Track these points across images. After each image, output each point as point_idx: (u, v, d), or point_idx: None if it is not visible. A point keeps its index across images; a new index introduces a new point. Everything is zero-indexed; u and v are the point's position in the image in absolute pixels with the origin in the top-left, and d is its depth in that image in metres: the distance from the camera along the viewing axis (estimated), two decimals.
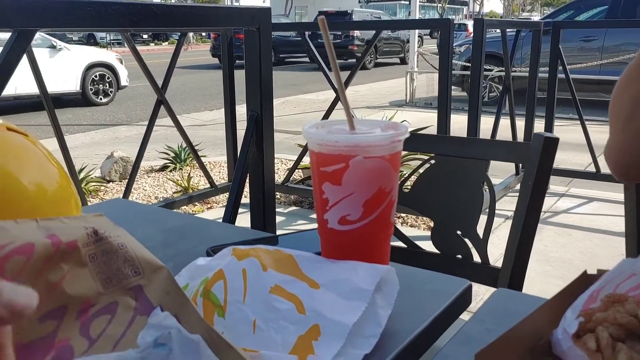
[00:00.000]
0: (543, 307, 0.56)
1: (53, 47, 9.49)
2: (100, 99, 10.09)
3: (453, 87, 10.13)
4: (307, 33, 3.80)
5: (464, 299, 0.72)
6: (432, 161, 1.32)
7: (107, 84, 10.20)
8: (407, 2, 12.80)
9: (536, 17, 47.43)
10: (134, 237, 0.58)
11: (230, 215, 1.77)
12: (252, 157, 1.81)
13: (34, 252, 0.52)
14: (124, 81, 10.54)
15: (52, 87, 8.53)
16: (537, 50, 4.22)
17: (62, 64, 9.46)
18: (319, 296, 0.60)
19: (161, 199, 4.16)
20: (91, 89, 9.95)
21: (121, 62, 10.53)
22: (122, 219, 1.03)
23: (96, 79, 10.03)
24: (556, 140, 1.15)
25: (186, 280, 0.69)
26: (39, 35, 8.39)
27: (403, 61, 16.73)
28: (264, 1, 62.21)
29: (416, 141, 1.34)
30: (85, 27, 1.67)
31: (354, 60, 17.06)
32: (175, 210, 3.46)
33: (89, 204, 4.01)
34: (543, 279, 2.81)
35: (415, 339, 0.61)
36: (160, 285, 0.57)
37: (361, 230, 0.68)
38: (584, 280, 0.64)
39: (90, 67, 9.99)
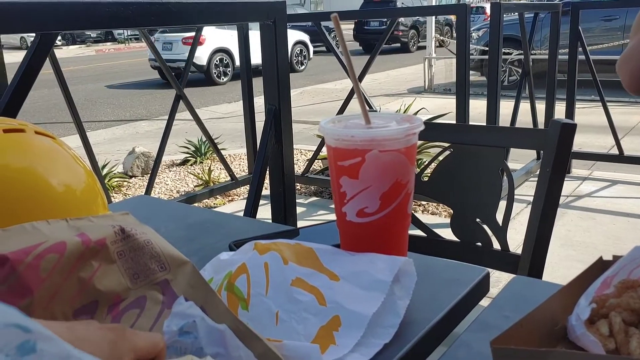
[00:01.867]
0: (558, 294, 0.57)
1: None
2: (300, 67, 13.53)
3: (472, 71, 10.04)
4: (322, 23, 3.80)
5: (482, 287, 0.74)
6: (450, 150, 1.33)
7: (303, 56, 13.78)
8: None
9: None
10: (158, 233, 0.61)
11: (252, 208, 1.80)
12: (271, 150, 1.83)
13: (65, 250, 0.55)
14: (311, 53, 14.34)
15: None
16: (557, 32, 4.17)
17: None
18: (339, 288, 0.61)
19: (183, 193, 4.22)
20: (296, 60, 13.46)
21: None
22: (145, 215, 1.06)
23: (297, 52, 13.58)
24: (574, 126, 1.15)
25: (210, 275, 0.71)
26: None
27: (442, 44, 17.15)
28: None
29: (434, 130, 1.35)
30: (104, 27, 1.70)
31: (399, 44, 18.03)
32: (196, 205, 3.52)
33: (113, 200, 4.08)
34: (566, 263, 2.79)
35: (434, 327, 0.63)
36: (186, 279, 0.60)
37: (379, 222, 0.70)
38: (600, 266, 0.65)
39: (296, 43, 13.36)
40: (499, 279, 2.55)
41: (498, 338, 0.51)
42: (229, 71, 12.29)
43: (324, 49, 18.62)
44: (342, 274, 0.63)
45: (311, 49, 14.58)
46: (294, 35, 13.51)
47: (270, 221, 2.08)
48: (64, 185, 0.75)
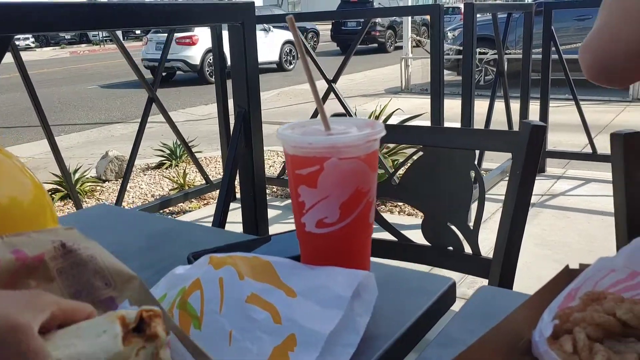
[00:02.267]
0: (523, 306, 0.55)
1: (265, 30, 13.12)
2: (289, 66, 14.36)
3: (448, 71, 10.12)
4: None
5: (448, 297, 0.71)
6: (422, 152, 1.31)
7: (292, 56, 14.48)
8: None
9: None
10: (118, 243, 0.57)
11: (221, 216, 1.76)
12: (241, 155, 1.79)
13: None
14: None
15: (265, 58, 13.15)
16: (530, 32, 4.19)
17: (271, 41, 13.22)
18: (296, 305, 0.59)
19: (158, 197, 4.15)
20: (285, 59, 14.27)
21: (310, 39, 16.52)
22: (105, 225, 1.02)
23: (287, 51, 14.33)
24: (544, 127, 1.13)
25: (164, 291, 0.68)
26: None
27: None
28: None
29: (405, 133, 1.32)
30: (76, 29, 1.66)
31: (376, 44, 18.16)
32: (159, 215, 3.47)
33: (85, 205, 4.01)
34: (542, 263, 2.80)
35: (396, 343, 0.60)
36: (133, 295, 0.56)
37: (339, 232, 0.67)
38: (566, 276, 0.63)
39: (285, 43, 14.01)
40: (475, 282, 2.55)
41: (460, 355, 0.49)
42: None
43: (332, 48, 18.96)
44: (300, 290, 0.60)
45: None
46: (283, 35, 14.13)
47: (242, 225, 2.04)
48: (8, 197, 0.71)
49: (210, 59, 12.37)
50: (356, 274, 0.61)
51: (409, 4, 10.11)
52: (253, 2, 1.74)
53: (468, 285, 2.53)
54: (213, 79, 12.64)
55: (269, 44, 13.02)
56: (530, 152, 1.13)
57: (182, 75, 13.01)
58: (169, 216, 3.81)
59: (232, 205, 2.61)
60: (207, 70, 12.39)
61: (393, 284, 0.73)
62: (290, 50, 14.58)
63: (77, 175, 4.24)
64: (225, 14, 1.71)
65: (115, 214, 1.06)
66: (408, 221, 3.38)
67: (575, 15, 8.45)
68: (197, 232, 0.98)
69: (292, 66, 14.55)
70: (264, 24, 12.88)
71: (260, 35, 12.45)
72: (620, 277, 0.54)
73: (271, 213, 3.24)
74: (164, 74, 13.17)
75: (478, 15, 3.28)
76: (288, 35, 14.35)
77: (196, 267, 0.68)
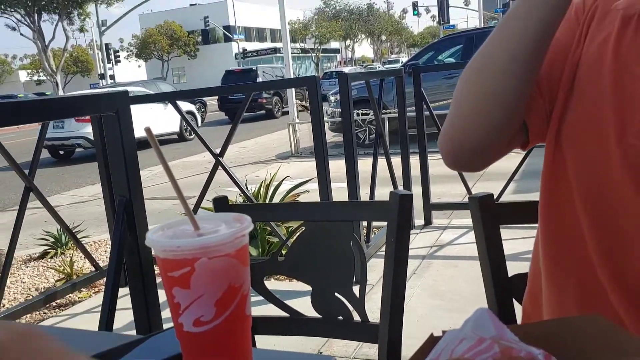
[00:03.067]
0: None
1: (164, 103, 12.87)
2: (189, 135, 14.50)
3: (335, 133, 10.46)
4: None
5: None
6: (303, 228, 1.35)
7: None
8: (282, 55, 13.40)
9: (404, 58, 50.65)
10: None
11: (107, 316, 1.68)
12: (127, 242, 1.75)
13: None
14: (199, 122, 16.35)
15: (166, 130, 14.02)
16: (402, 94, 4.49)
17: (170, 112, 12.82)
18: None
19: (42, 290, 3.90)
20: (185, 129, 14.58)
21: (198, 110, 16.70)
22: None
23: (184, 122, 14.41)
24: (410, 196, 1.22)
25: None
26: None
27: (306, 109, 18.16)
28: (139, 66, 61.54)
29: (285, 210, 1.37)
30: None
31: (264, 111, 18.61)
32: (35, 324, 3.28)
33: None
34: (436, 313, 2.91)
35: None
36: None
37: (217, 329, 0.69)
38: (430, 345, 0.68)
39: (185, 113, 13.48)
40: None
41: None
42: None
43: (221, 117, 19.28)
44: None
45: (199, 118, 16.53)
46: (183, 106, 14.28)
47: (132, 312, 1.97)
48: None
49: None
50: None
51: (291, 77, 10.48)
52: (127, 91, 1.75)
53: (369, 346, 2.58)
54: (188, 136, 13.98)
55: (169, 116, 13.11)
56: (401, 220, 1.21)
57: (81, 152, 13.05)
58: (57, 309, 3.58)
59: (124, 290, 2.51)
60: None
61: None
62: (191, 120, 14.93)
63: None
64: (100, 105, 1.71)
65: None
66: (301, 287, 3.41)
67: (445, 74, 9.15)
68: (78, 338, 0.95)
69: (192, 136, 14.85)
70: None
71: (159, 107, 12.76)
72: (471, 343, 0.60)
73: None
74: (61, 152, 12.90)
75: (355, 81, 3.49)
76: (189, 106, 15.17)
77: None
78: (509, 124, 0.86)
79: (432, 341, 0.68)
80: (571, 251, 0.88)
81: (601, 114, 0.81)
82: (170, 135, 14.43)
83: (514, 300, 1.20)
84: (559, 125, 0.87)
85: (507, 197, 4.58)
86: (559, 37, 0.86)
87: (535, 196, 0.96)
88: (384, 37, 69.53)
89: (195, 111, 16.10)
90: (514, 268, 1.20)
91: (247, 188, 3.86)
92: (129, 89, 14.80)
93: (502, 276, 1.20)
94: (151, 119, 10.90)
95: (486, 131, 0.86)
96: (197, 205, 3.72)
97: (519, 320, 1.14)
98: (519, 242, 3.30)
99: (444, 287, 3.24)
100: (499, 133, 0.87)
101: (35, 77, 56.33)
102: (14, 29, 32.01)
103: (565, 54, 0.87)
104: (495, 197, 1.20)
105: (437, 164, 6.72)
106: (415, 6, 51.61)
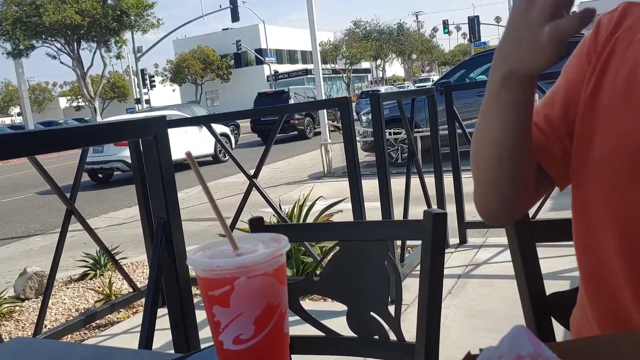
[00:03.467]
0: None
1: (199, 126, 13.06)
2: (224, 157, 14.71)
3: (368, 153, 10.47)
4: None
5: None
6: (337, 247, 1.36)
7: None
8: (313, 76, 13.52)
9: (435, 76, 50.61)
10: None
11: (147, 336, 1.72)
12: (165, 264, 1.79)
13: None
14: (233, 144, 16.79)
15: (201, 152, 14.20)
16: (434, 113, 4.48)
17: (205, 135, 13.13)
18: None
19: (83, 311, 3.98)
20: (220, 150, 14.77)
21: (232, 132, 17.05)
22: None
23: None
24: (444, 214, 1.22)
25: None
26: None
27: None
28: (174, 90, 62.84)
29: (319, 232, 1.38)
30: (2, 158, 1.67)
31: (296, 132, 19.19)
32: (77, 343, 3.34)
33: (3, 327, 3.78)
34: (473, 334, 2.87)
35: None
36: None
37: (256, 347, 0.70)
38: None
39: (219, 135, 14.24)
40: None
41: None
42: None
43: (253, 139, 19.80)
44: None
45: (233, 140, 16.87)
46: (217, 129, 15.30)
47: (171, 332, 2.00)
48: None
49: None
50: None
51: (322, 98, 10.57)
52: (164, 117, 1.81)
53: None
54: (222, 158, 14.43)
55: (204, 138, 13.39)
56: (435, 238, 1.21)
57: (118, 175, 13.49)
58: (96, 330, 3.65)
59: (163, 310, 2.55)
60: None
61: None
62: (225, 142, 15.41)
63: None
64: (138, 130, 1.77)
65: (32, 347, 1.04)
66: (336, 307, 3.40)
67: (476, 92, 9.09)
68: (119, 357, 0.98)
69: (226, 157, 15.31)
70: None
71: (194, 130, 13.05)
72: None
73: (204, 315, 3.18)
74: (100, 175, 13.28)
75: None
76: (223, 128, 15.58)
77: None
78: (522, 186, 0.90)
79: (469, 357, 0.68)
80: (607, 292, 0.87)
81: (635, 143, 0.80)
82: (205, 158, 14.71)
83: (552, 319, 1.18)
84: (582, 160, 0.86)
85: (543, 215, 4.51)
86: (569, 77, 0.89)
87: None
88: (414, 56, 69.55)
89: (229, 133, 16.41)
90: (552, 286, 1.19)
91: (280, 209, 3.90)
92: (165, 112, 15.13)
93: (540, 294, 1.19)
94: (187, 141, 11.11)
95: (504, 197, 0.92)
96: (232, 225, 3.77)
97: (558, 339, 1.13)
98: (557, 260, 3.24)
99: (480, 306, 3.20)
100: (516, 195, 0.91)
101: (75, 103, 58.08)
102: (54, 57, 33.09)
103: (578, 92, 0.88)
104: (531, 214, 1.20)
105: (470, 182, 6.63)
106: (445, 24, 51.62)
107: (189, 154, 0.69)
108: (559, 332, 1.21)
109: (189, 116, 12.84)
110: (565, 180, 0.93)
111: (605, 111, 0.84)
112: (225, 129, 16.00)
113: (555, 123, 0.91)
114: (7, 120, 68.23)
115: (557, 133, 0.90)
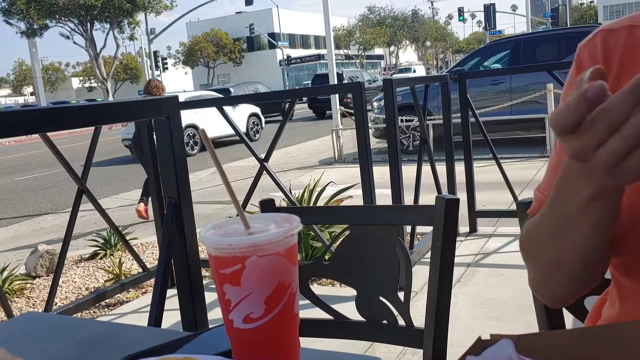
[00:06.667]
0: None
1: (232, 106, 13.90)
2: (255, 135, 16.03)
3: (379, 139, 10.43)
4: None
5: None
6: (348, 231, 1.36)
7: (257, 127, 16.50)
8: (326, 62, 13.41)
9: (417, 66, 49.96)
10: (47, 354, 0.58)
11: (156, 312, 1.73)
12: (175, 243, 1.80)
13: None
14: (263, 124, 17.00)
15: (229, 131, 13.71)
16: (448, 101, 4.45)
17: (237, 115, 14.41)
18: None
19: (92, 290, 4.02)
20: (252, 129, 16.04)
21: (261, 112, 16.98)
22: (33, 335, 1.00)
23: (253, 123, 16.32)
24: (457, 200, 1.21)
25: None
26: None
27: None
28: (186, 73, 62.86)
29: (330, 214, 1.38)
30: (8, 135, 1.68)
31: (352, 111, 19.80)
32: (89, 319, 3.37)
33: (14, 303, 3.82)
34: (481, 322, 2.87)
35: None
36: None
37: (266, 326, 0.70)
38: (479, 347, 0.68)
39: (250, 115, 16.05)
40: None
41: None
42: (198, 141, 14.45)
43: (278, 117, 20.55)
44: None
45: (263, 119, 17.04)
46: (248, 109, 16.01)
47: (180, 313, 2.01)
48: None
49: (186, 135, 13.48)
50: None
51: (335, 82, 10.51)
52: (177, 96, 1.81)
53: (413, 352, 2.56)
54: (192, 152, 13.62)
55: (236, 118, 13.79)
56: (447, 224, 1.20)
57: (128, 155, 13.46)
58: (106, 309, 3.68)
59: (171, 291, 2.57)
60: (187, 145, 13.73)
61: None
62: (255, 123, 16.42)
63: (5, 274, 4.06)
64: (151, 110, 1.77)
65: (43, 322, 1.04)
66: (350, 292, 3.41)
67: (490, 80, 9.02)
68: (129, 333, 0.98)
69: (258, 136, 16.25)
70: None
71: (228, 109, 13.23)
72: None
73: (213, 296, 3.21)
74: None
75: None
76: (254, 108, 16.13)
77: None
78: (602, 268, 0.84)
79: (480, 343, 0.68)
80: None
81: None
82: (235, 137, 15.06)
83: (563, 308, 1.17)
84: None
85: None
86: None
87: None
88: (428, 43, 69.01)
89: (260, 113, 16.62)
90: None
91: (291, 193, 3.90)
92: (204, 93, 16.46)
93: None
94: (220, 120, 11.10)
95: (582, 284, 0.87)
96: (243, 208, 3.77)
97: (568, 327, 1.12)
98: None
99: (490, 295, 3.19)
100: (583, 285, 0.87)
101: (87, 84, 58.24)
102: (67, 37, 33.17)
103: None
104: None
105: (482, 171, 6.62)
106: (460, 12, 51.07)
107: (202, 131, 0.69)
108: (569, 322, 1.21)
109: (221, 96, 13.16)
110: None
111: None
112: (256, 109, 16.32)
113: None
114: (20, 100, 68.62)
115: None
